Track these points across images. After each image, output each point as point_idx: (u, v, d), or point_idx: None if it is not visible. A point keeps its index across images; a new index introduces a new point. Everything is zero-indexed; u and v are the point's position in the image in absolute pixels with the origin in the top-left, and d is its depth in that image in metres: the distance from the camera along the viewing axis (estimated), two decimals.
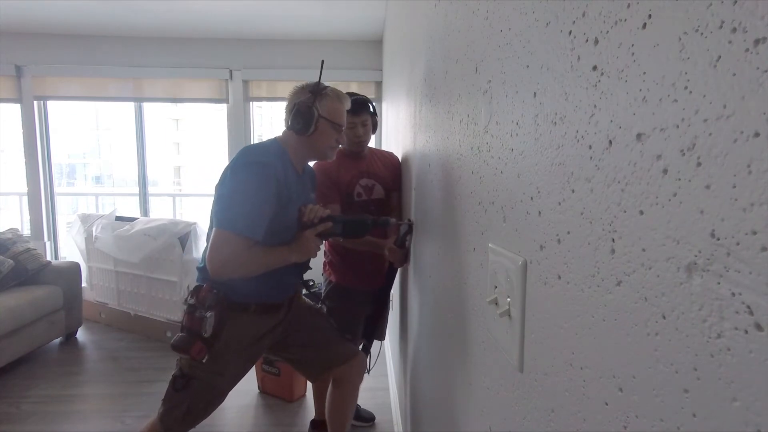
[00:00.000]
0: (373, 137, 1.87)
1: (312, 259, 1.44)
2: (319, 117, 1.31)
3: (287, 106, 1.36)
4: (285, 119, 1.37)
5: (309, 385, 2.27)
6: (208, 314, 1.24)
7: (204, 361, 1.25)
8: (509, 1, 0.52)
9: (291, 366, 1.68)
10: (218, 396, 1.35)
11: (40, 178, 3.92)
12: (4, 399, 2.34)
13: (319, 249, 1.37)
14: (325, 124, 1.33)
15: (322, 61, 1.44)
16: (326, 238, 1.43)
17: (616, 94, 0.32)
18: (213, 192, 1.28)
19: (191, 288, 1.30)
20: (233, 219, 1.19)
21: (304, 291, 1.54)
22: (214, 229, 1.21)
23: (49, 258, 3.56)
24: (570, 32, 0.38)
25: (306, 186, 1.45)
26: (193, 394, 1.29)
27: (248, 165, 1.23)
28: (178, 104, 7.48)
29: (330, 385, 1.64)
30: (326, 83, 1.39)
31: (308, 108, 1.30)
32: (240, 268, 1.22)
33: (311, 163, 1.73)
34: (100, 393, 2.43)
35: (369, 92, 3.84)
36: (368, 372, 1.96)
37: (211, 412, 1.35)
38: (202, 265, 1.31)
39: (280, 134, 1.40)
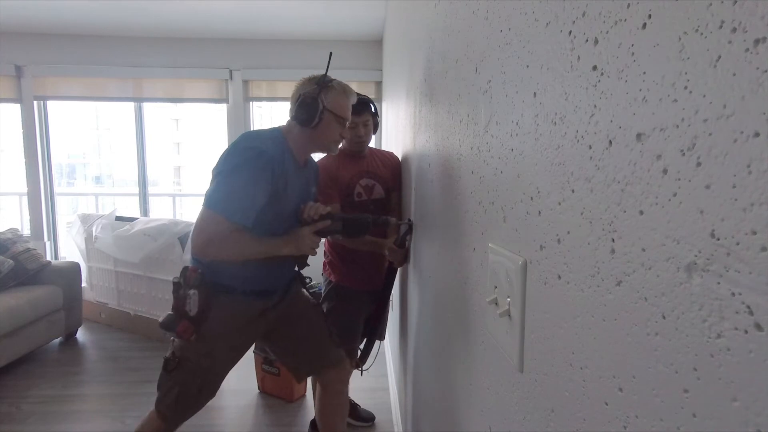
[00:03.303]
0: (373, 137, 1.87)
1: (312, 259, 1.44)
2: (324, 109, 1.31)
3: (292, 96, 1.35)
4: (290, 110, 1.36)
5: (309, 385, 2.27)
6: (191, 292, 1.26)
7: (192, 340, 1.27)
8: (509, 1, 0.52)
9: (278, 358, 1.66)
10: (210, 381, 1.34)
11: (40, 178, 3.92)
12: (4, 399, 2.34)
13: (316, 246, 1.37)
14: (329, 116, 1.32)
15: (330, 53, 1.43)
16: (326, 236, 1.43)
17: (616, 94, 0.32)
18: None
19: (182, 269, 1.32)
20: (220, 200, 1.19)
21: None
22: (201, 208, 1.21)
23: (49, 258, 3.56)
24: (570, 32, 0.38)
25: (308, 179, 1.44)
26: (184, 376, 1.29)
27: (244, 150, 1.23)
28: (178, 104, 7.48)
29: (318, 389, 1.62)
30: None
31: (313, 99, 1.29)
32: (223, 250, 1.22)
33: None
34: (100, 393, 2.43)
35: (369, 92, 3.84)
36: (367, 370, 1.96)
37: (204, 401, 1.34)
38: None
39: (284, 124, 1.39)
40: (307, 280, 1.51)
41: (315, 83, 1.32)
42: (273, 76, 3.89)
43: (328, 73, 1.35)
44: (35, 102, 3.85)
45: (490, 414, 0.61)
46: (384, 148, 2.85)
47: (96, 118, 25.40)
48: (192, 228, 3.08)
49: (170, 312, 1.29)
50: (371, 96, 3.73)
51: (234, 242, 1.22)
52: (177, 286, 1.29)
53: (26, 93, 3.80)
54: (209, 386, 1.34)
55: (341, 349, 1.59)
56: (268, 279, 1.38)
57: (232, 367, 1.40)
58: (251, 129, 4.05)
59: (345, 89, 1.36)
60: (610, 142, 0.33)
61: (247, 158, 1.21)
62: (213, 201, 1.19)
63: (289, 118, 1.37)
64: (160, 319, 1.27)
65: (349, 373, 1.63)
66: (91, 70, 3.81)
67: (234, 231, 1.20)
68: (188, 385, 1.30)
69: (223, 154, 1.25)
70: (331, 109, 1.32)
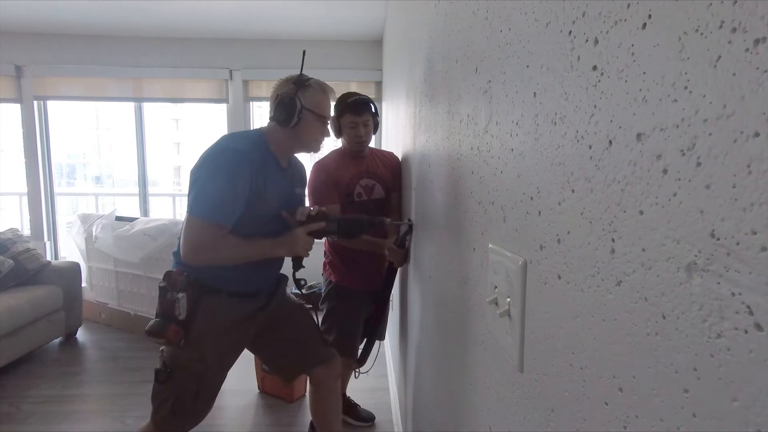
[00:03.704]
0: (373, 137, 1.87)
1: (312, 259, 1.43)
2: (303, 108, 1.30)
3: (271, 97, 1.35)
4: (269, 111, 1.36)
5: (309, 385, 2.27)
6: (180, 295, 1.24)
7: (181, 345, 1.24)
8: (509, 1, 0.52)
9: (265, 363, 1.64)
10: (205, 388, 1.31)
11: (40, 178, 3.91)
12: (4, 399, 2.34)
13: (310, 247, 1.36)
14: (309, 115, 1.32)
15: (304, 51, 1.42)
16: (320, 237, 1.42)
17: (616, 94, 0.32)
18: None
19: (165, 274, 1.30)
20: (203, 205, 1.19)
21: (298, 291, 1.53)
22: (186, 216, 1.21)
23: (49, 258, 3.56)
24: (570, 32, 0.38)
25: (292, 180, 1.43)
26: (177, 386, 1.27)
27: (221, 152, 1.23)
28: (178, 104, 7.47)
29: (309, 387, 1.61)
30: (327, 82, 1.38)
31: (291, 99, 1.29)
32: (213, 255, 1.21)
33: (314, 159, 1.73)
34: (100, 393, 2.43)
35: (369, 92, 3.84)
36: (366, 372, 1.96)
37: (202, 410, 1.32)
38: (176, 250, 1.31)
39: (265, 125, 1.39)
40: (302, 282, 1.50)
41: (292, 83, 1.32)
42: (273, 76, 3.84)
43: (303, 72, 1.35)
44: (35, 102, 3.85)
45: (490, 414, 0.61)
46: (384, 148, 2.85)
47: (96, 118, 25.41)
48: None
49: (155, 318, 1.25)
50: (371, 96, 3.74)
51: (226, 246, 1.22)
52: (163, 290, 1.26)
53: (26, 93, 3.80)
54: (204, 393, 1.32)
55: (331, 346, 1.58)
56: (252, 280, 1.37)
57: (225, 373, 1.38)
58: (251, 128, 4.05)
59: (323, 87, 1.36)
60: (610, 142, 0.33)
61: (225, 160, 1.22)
62: (195, 207, 1.20)
63: (269, 120, 1.37)
64: (147, 328, 1.23)
65: (339, 369, 1.62)
66: (91, 70, 3.80)
67: (224, 235, 1.20)
68: (183, 393, 1.28)
69: (201, 157, 1.25)
70: (310, 108, 1.32)
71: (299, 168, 1.51)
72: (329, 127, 1.42)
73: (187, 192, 1.27)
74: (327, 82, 1.39)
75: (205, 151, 1.25)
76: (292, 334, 1.50)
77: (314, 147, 1.40)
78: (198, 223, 1.19)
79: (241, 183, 1.22)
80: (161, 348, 1.29)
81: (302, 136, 1.34)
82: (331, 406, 1.58)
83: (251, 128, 4.01)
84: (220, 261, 1.25)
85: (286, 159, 1.39)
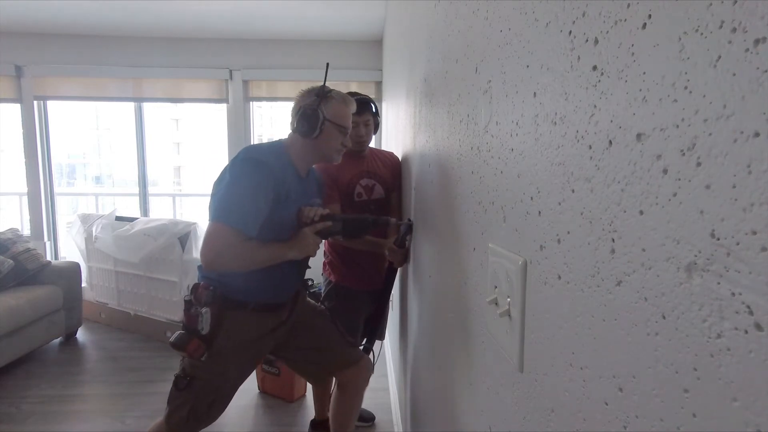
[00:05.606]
0: (373, 137, 1.87)
1: (312, 259, 1.44)
2: (325, 120, 1.32)
3: (293, 109, 1.37)
4: (291, 123, 1.38)
5: (309, 384, 2.27)
6: (204, 310, 1.26)
7: (203, 359, 1.26)
8: (509, 1, 0.52)
9: (293, 369, 1.67)
10: (221, 398, 1.34)
11: (40, 178, 3.91)
12: (4, 399, 2.34)
13: (318, 247, 1.38)
14: (330, 126, 1.34)
15: (327, 64, 1.44)
16: (326, 237, 1.43)
17: (616, 94, 0.32)
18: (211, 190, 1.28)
19: (191, 286, 1.32)
20: (226, 212, 1.20)
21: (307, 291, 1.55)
22: (208, 222, 1.22)
23: (49, 258, 3.56)
24: (570, 32, 0.38)
25: (310, 190, 1.45)
26: (196, 394, 1.29)
27: (245, 161, 1.24)
28: (178, 104, 7.48)
29: (335, 388, 1.63)
30: (327, 82, 1.39)
31: (314, 111, 1.31)
32: (232, 261, 1.22)
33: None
34: (100, 393, 2.43)
35: (369, 92, 3.84)
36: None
37: (216, 415, 1.35)
38: (200, 263, 1.32)
39: (286, 137, 1.41)
40: (309, 283, 1.51)
41: (314, 94, 1.34)
42: (273, 76, 3.89)
43: (326, 84, 1.37)
44: (35, 102, 3.85)
45: (490, 414, 0.61)
46: (384, 148, 2.85)
47: (96, 118, 25.43)
48: (191, 226, 3.09)
49: (180, 330, 1.28)
50: (371, 96, 3.74)
51: (241, 250, 1.22)
52: (188, 304, 1.28)
53: (26, 93, 3.80)
54: (220, 402, 1.35)
55: (357, 348, 1.58)
56: (275, 289, 1.38)
57: (242, 383, 1.41)
58: (251, 128, 4.06)
59: (344, 99, 1.38)
60: (610, 142, 0.33)
61: (247, 168, 1.23)
62: (216, 213, 1.20)
63: (290, 132, 1.39)
64: (171, 339, 1.26)
65: (370, 369, 1.63)
66: (91, 70, 3.80)
67: (240, 240, 1.21)
68: (199, 402, 1.30)
69: (224, 169, 1.26)
70: (332, 119, 1.34)
71: (317, 178, 1.53)
72: (348, 137, 1.43)
73: (209, 203, 1.27)
74: (327, 83, 1.40)
75: (229, 162, 1.27)
76: (314, 343, 1.52)
77: (335, 157, 1.41)
78: (219, 229, 1.19)
79: (262, 191, 1.23)
80: (183, 356, 1.31)
81: (323, 146, 1.36)
82: (353, 407, 1.60)
83: (251, 128, 4.04)
84: (237, 266, 1.25)
85: (306, 169, 1.41)
